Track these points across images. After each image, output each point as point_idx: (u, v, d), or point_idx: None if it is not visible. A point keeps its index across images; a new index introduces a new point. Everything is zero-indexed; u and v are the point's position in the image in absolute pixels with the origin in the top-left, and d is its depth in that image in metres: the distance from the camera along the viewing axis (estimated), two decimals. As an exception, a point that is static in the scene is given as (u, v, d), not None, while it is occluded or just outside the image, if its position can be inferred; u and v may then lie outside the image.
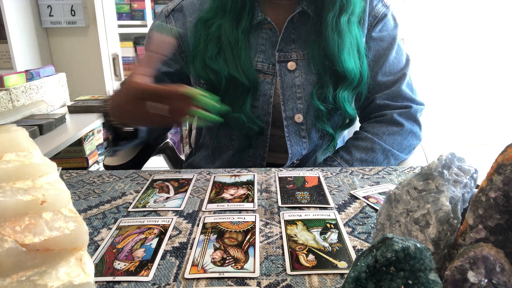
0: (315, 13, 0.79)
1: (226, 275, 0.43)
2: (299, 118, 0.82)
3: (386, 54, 0.84)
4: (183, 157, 1.28)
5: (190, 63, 0.82)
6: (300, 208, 0.58)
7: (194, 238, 0.51)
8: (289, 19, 0.79)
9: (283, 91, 0.81)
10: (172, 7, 0.87)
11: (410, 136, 0.84)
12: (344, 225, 0.53)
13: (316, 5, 0.79)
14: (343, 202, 0.60)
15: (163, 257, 0.47)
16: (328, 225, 0.53)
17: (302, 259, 0.45)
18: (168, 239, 0.50)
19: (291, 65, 0.80)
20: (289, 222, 0.54)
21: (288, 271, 0.43)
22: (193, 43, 0.82)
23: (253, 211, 0.58)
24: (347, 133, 1.00)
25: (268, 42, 0.81)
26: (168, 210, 0.58)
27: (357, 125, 0.93)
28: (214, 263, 0.45)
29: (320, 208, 0.58)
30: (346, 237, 0.50)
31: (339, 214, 0.56)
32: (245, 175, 0.71)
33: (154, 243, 0.50)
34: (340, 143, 0.97)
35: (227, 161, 0.89)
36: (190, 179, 0.69)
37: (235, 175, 0.71)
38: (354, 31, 0.78)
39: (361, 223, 0.54)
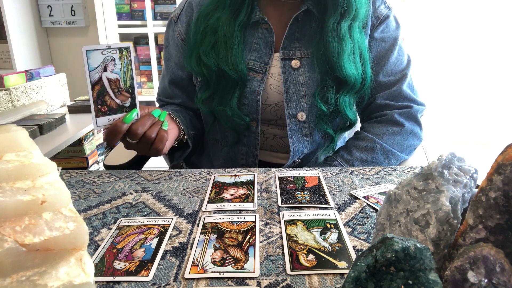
0: (319, 13, 0.79)
1: (226, 275, 0.43)
2: (302, 116, 0.82)
3: (388, 55, 0.85)
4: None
5: (187, 60, 0.83)
6: (300, 208, 0.58)
7: (194, 238, 0.51)
8: (294, 17, 0.79)
9: (287, 88, 0.81)
10: (179, 12, 0.89)
11: (411, 136, 0.84)
12: (344, 225, 0.53)
13: (320, 7, 0.79)
14: (343, 202, 0.60)
15: (163, 257, 0.47)
16: (328, 225, 0.53)
17: (302, 259, 0.45)
18: (168, 239, 0.50)
19: (295, 63, 0.81)
20: (289, 222, 0.54)
21: (288, 271, 0.43)
22: (192, 38, 0.83)
23: (253, 211, 0.58)
24: (348, 133, 1.00)
25: (263, 42, 0.82)
26: (168, 210, 0.58)
27: (358, 125, 0.93)
28: (214, 263, 0.45)
29: (320, 208, 0.58)
30: (346, 237, 0.50)
31: (339, 214, 0.56)
32: (245, 175, 0.71)
33: (154, 243, 0.49)
34: (341, 143, 0.97)
35: (223, 157, 0.91)
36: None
37: (235, 175, 0.71)
38: (356, 37, 0.79)
39: (361, 223, 0.54)
